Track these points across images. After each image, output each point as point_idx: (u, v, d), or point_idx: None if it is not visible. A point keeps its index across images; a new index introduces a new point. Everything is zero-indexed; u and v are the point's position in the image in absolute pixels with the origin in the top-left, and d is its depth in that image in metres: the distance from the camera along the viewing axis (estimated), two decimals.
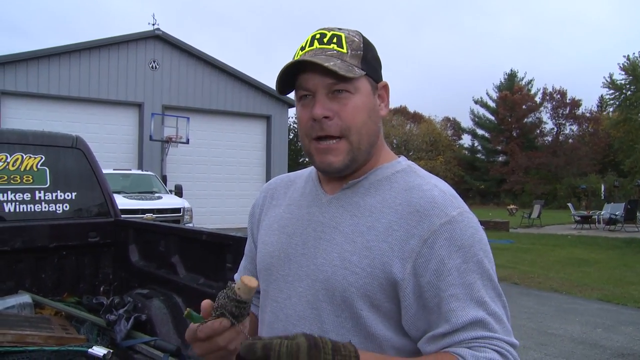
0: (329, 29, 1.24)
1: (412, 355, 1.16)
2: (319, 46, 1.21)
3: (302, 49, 1.23)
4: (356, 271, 1.15)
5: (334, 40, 1.21)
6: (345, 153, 1.20)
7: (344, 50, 1.20)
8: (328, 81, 1.18)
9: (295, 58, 1.22)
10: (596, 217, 22.69)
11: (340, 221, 1.23)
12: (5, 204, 3.84)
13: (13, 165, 3.90)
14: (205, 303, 1.09)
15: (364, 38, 1.26)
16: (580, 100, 48.00)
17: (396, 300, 1.14)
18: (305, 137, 1.24)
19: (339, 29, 1.25)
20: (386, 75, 1.31)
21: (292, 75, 1.22)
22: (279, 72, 1.21)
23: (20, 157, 3.93)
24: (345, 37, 1.22)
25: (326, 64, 1.14)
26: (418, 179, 1.23)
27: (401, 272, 1.12)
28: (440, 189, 1.19)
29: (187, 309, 1.11)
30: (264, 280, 1.36)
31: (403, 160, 1.31)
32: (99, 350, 2.95)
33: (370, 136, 1.23)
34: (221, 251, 2.98)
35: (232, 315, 1.06)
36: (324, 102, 1.19)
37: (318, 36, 1.23)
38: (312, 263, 1.23)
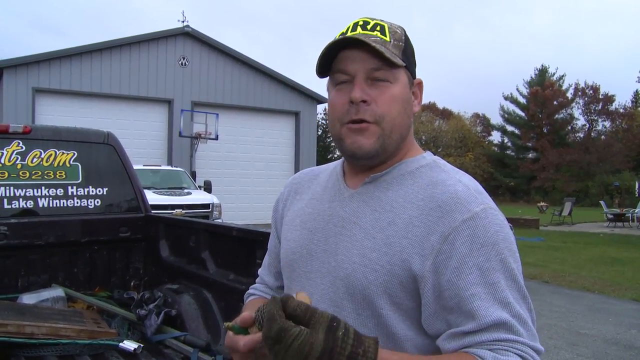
0: (372, 18, 1.22)
1: (434, 354, 1.12)
2: (362, 32, 1.18)
3: (343, 34, 1.20)
4: (376, 268, 1.12)
5: (377, 28, 1.19)
6: (377, 137, 1.17)
7: (387, 39, 1.18)
8: (370, 65, 1.15)
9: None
10: (630, 215, 22.24)
11: (361, 216, 1.20)
12: (39, 199, 3.91)
13: (47, 161, 3.97)
14: (247, 316, 1.07)
15: (405, 32, 1.24)
16: (613, 95, 46.94)
17: (417, 298, 1.11)
18: (337, 121, 1.20)
19: (382, 20, 1.23)
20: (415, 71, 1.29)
21: (330, 59, 1.20)
22: (322, 50, 1.17)
23: (53, 153, 4.00)
24: (389, 27, 1.20)
25: (374, 44, 1.13)
26: (442, 174, 1.20)
27: (421, 270, 1.08)
28: (464, 184, 1.15)
29: (228, 323, 1.10)
30: (287, 277, 1.35)
31: (428, 155, 1.28)
32: (129, 345, 2.99)
33: (403, 128, 1.21)
34: (251, 247, 2.99)
35: None
36: (363, 86, 1.16)
37: (361, 23, 1.20)
38: (332, 260, 1.21)
